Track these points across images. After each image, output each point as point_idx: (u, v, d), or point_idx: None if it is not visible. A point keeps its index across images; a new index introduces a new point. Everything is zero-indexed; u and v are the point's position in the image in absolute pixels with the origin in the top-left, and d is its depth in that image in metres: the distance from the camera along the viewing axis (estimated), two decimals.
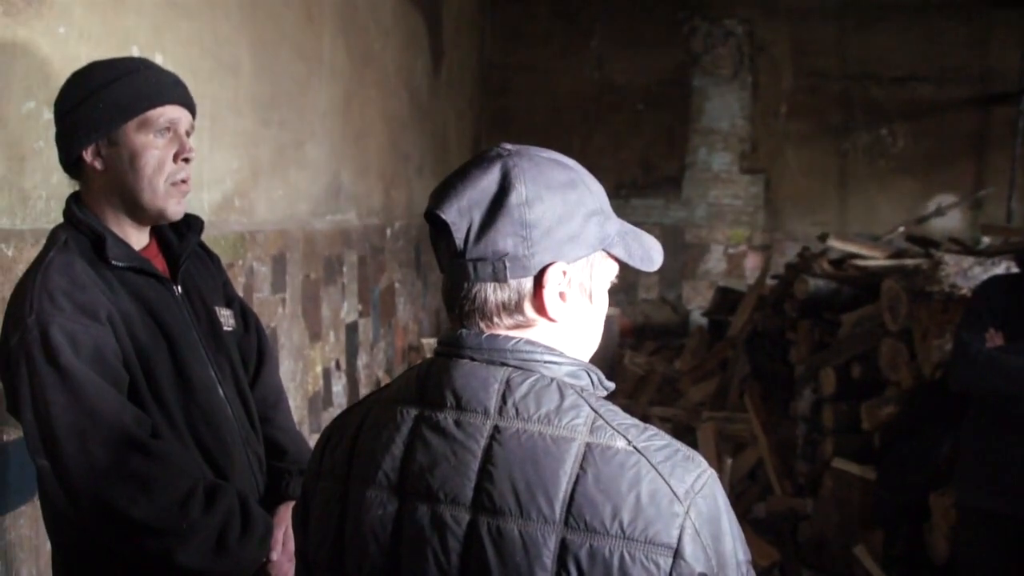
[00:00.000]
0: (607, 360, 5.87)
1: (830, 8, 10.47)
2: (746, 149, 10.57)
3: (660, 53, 10.60)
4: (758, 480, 5.94)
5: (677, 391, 6.49)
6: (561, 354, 1.27)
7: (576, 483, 1.15)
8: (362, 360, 5.67)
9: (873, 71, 10.55)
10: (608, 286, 1.35)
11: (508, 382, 1.23)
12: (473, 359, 1.26)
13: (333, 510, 1.31)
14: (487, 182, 1.25)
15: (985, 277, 4.35)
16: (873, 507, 4.68)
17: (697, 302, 10.09)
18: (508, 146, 1.31)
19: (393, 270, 6.28)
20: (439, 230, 1.27)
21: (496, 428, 1.20)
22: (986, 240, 6.66)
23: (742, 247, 10.54)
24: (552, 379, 1.24)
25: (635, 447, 1.17)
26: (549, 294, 1.25)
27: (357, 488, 1.29)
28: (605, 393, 1.33)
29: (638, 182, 10.59)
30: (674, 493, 1.15)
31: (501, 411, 1.21)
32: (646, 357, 7.02)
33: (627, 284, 10.39)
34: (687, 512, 1.14)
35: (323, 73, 5.03)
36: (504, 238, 1.22)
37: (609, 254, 1.32)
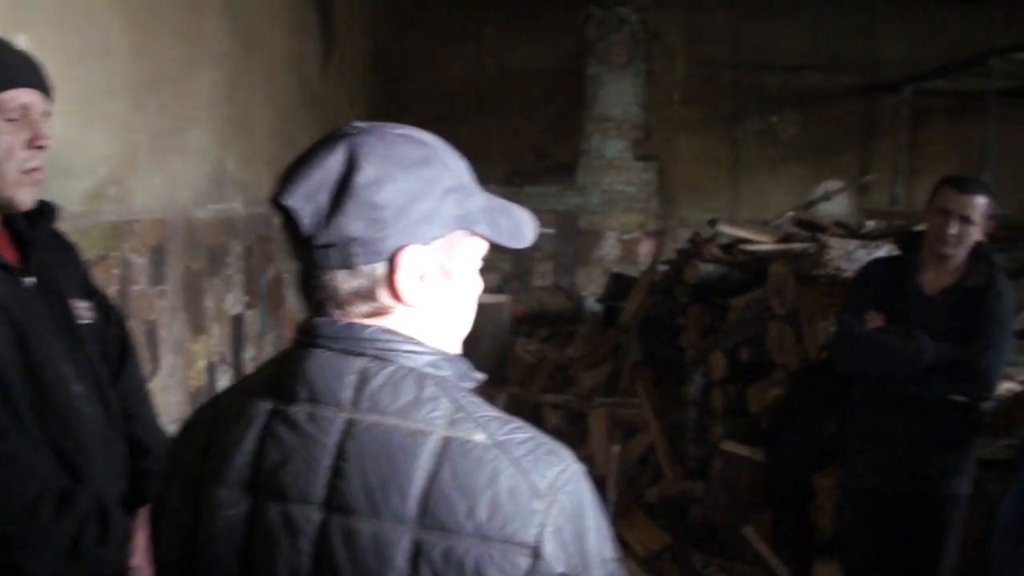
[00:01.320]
0: (498, 348, 5.84)
1: None
2: (640, 136, 10.64)
3: (555, 40, 10.59)
4: (650, 464, 5.98)
5: (569, 378, 6.50)
6: (421, 343, 1.21)
7: (432, 480, 1.09)
8: (249, 353, 5.53)
9: (764, 60, 10.72)
10: (477, 266, 1.29)
11: (364, 373, 1.17)
12: (329, 348, 1.19)
13: (184, 511, 1.23)
14: (332, 163, 1.18)
15: (867, 260, 4.44)
16: (761, 488, 4.74)
17: (591, 289, 10.13)
18: (357, 124, 1.24)
19: (281, 260, 6.14)
20: (287, 216, 1.19)
21: (350, 422, 1.14)
22: (870, 224, 6.81)
23: (636, 233, 10.62)
24: (411, 369, 1.18)
25: (495, 441, 1.12)
26: (404, 278, 1.19)
27: (209, 487, 1.21)
28: (472, 384, 1.26)
29: (532, 169, 10.58)
30: (534, 489, 1.10)
31: (356, 404, 1.15)
32: (538, 344, 7.02)
33: (521, 271, 10.39)
34: (548, 509, 1.10)
35: (205, 57, 4.87)
36: (352, 222, 1.15)
37: (474, 232, 1.25)
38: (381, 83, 10.52)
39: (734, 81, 10.73)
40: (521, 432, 1.15)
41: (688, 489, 5.61)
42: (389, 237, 1.17)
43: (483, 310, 4.94)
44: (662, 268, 6.82)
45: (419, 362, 1.20)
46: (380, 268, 1.18)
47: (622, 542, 5.32)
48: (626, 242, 10.61)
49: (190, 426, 1.33)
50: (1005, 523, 3.17)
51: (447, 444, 1.11)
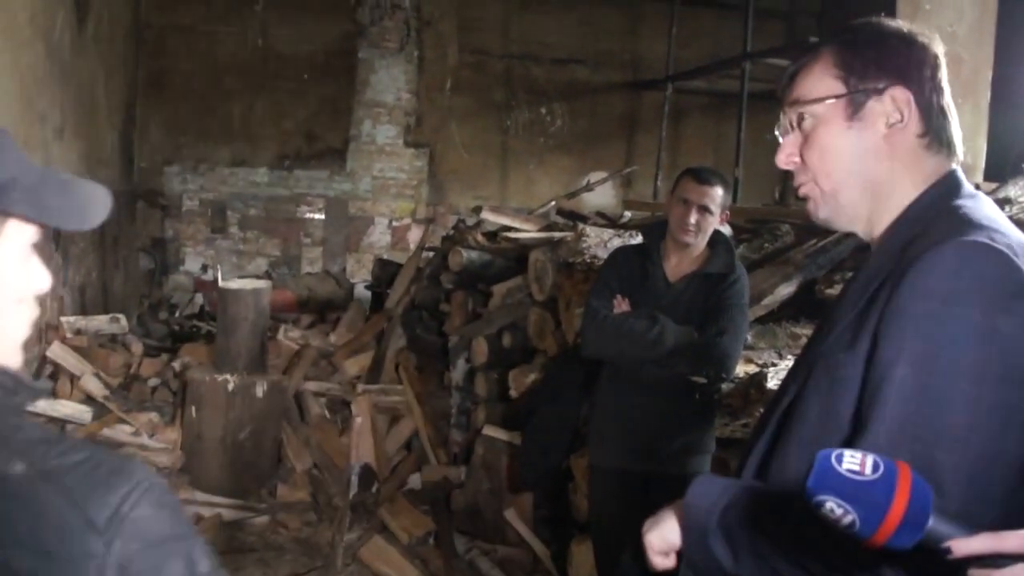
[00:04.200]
0: (258, 335, 5.67)
1: None
2: (411, 123, 10.63)
3: (327, 22, 10.42)
4: (414, 451, 5.97)
5: (333, 365, 6.40)
6: None
7: None
8: None
9: (534, 52, 10.93)
10: (24, 255, 1.08)
11: None
12: None
13: None
14: None
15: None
16: (520, 471, 4.81)
17: (362, 275, 10.05)
18: None
19: None
20: None
21: None
22: (628, 214, 7.05)
23: (406, 220, 10.61)
24: None
25: (40, 470, 0.94)
26: None
27: None
28: (29, 400, 1.06)
29: (302, 153, 10.38)
30: (91, 525, 0.93)
31: None
32: (301, 331, 6.87)
33: (290, 257, 10.17)
34: (108, 548, 0.93)
35: None
36: None
37: (9, 214, 1.05)
38: (142, 57, 10.02)
39: (505, 71, 10.89)
40: (76, 453, 0.97)
41: (451, 474, 5.63)
42: None
43: (242, 297, 4.75)
44: (429, 255, 6.82)
45: None
46: None
47: (386, 529, 5.29)
48: (397, 228, 10.59)
49: None
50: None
51: None
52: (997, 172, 6.37)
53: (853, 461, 1.04)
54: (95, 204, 1.13)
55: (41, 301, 1.10)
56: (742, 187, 8.18)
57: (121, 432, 5.59)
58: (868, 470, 1.03)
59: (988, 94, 6.48)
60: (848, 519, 1.02)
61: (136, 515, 0.95)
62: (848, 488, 1.02)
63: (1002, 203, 5.68)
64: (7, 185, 1.02)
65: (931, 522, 1.00)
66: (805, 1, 11.39)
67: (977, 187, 5.18)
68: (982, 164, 6.63)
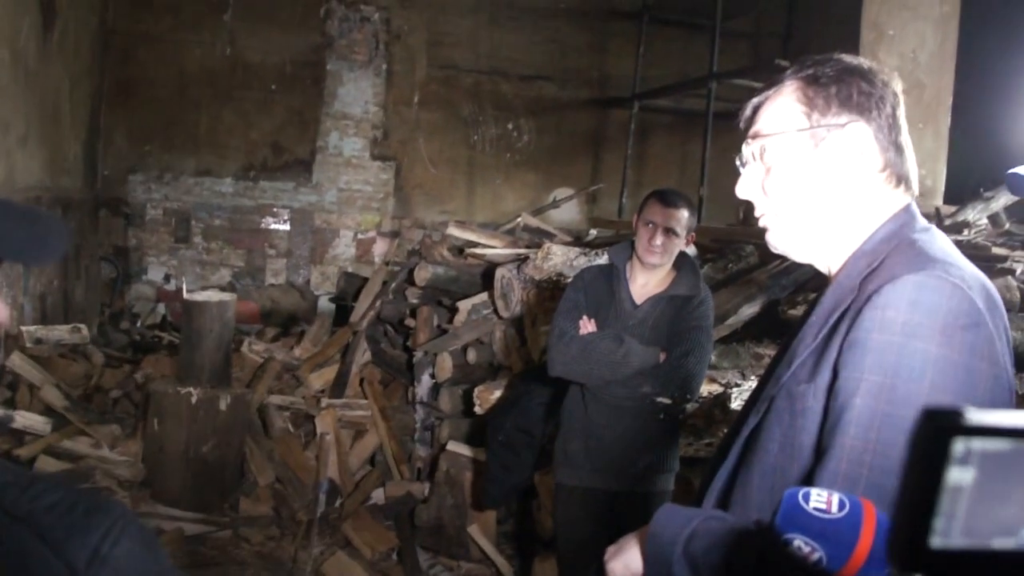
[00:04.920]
0: (222, 348, 5.65)
1: (465, 3, 10.75)
2: (378, 136, 10.63)
3: (295, 33, 10.40)
4: (378, 466, 5.96)
5: (297, 379, 6.38)
6: None
7: None
8: None
9: (502, 68, 10.96)
10: None
11: None
12: None
13: None
14: None
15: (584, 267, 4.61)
16: (484, 489, 4.82)
17: (326, 287, 10.03)
18: None
19: None
20: None
21: None
22: (594, 232, 7.10)
23: (372, 233, 10.60)
24: None
25: (13, 515, 0.91)
26: None
27: None
28: None
29: (268, 164, 10.34)
30: (71, 569, 0.91)
31: None
32: (266, 344, 6.84)
33: (254, 268, 10.13)
34: None
35: None
36: None
37: None
38: (108, 65, 9.95)
39: (473, 86, 10.91)
40: (49, 495, 0.94)
41: (414, 490, 5.63)
42: None
43: (208, 309, 4.74)
44: (395, 268, 6.82)
45: None
46: None
47: (349, 544, 5.28)
48: (362, 241, 10.57)
49: None
50: None
51: None
52: (956, 196, 6.49)
53: (820, 500, 1.07)
54: (55, 237, 1.10)
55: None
56: (706, 206, 8.25)
57: (81, 444, 5.54)
58: (834, 508, 1.06)
59: (948, 119, 6.61)
60: (815, 556, 1.05)
61: (117, 553, 0.93)
62: (816, 527, 1.05)
63: (961, 226, 5.79)
64: None
65: None
66: (771, 23, 11.52)
67: (937, 210, 5.27)
68: (942, 188, 6.75)
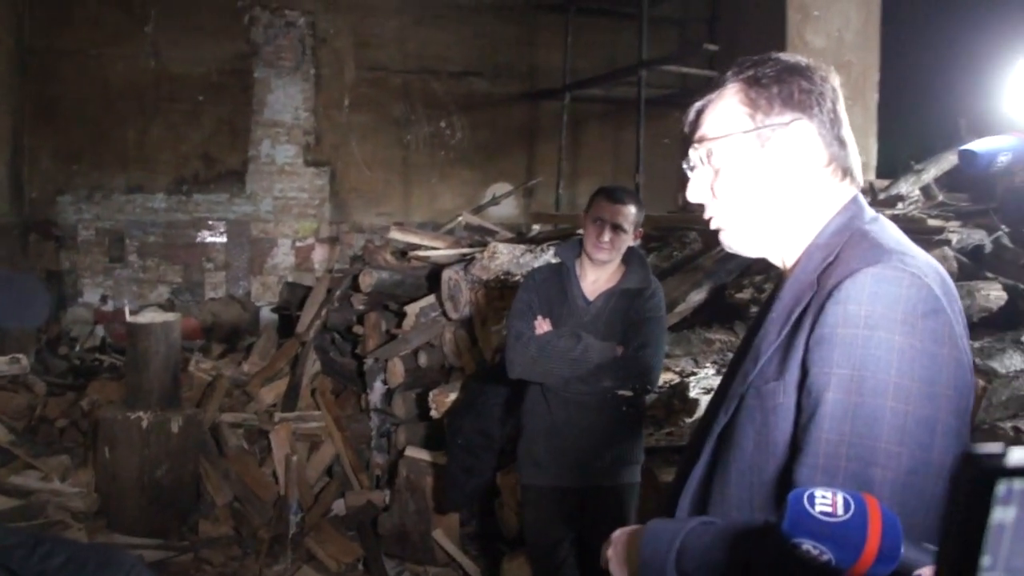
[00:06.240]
0: (170, 369, 5.55)
1: (390, 4, 10.70)
2: (310, 141, 10.55)
3: (220, 42, 10.27)
4: (336, 476, 5.91)
5: (247, 395, 6.30)
6: None
7: None
8: None
9: (432, 66, 10.94)
10: None
11: None
12: None
13: None
14: None
15: (534, 265, 4.62)
16: (445, 492, 4.81)
17: (267, 298, 9.92)
18: None
19: None
20: None
21: None
22: (536, 227, 7.10)
23: (310, 240, 10.51)
24: None
25: None
26: None
27: None
28: None
29: (200, 176, 10.20)
30: None
31: None
32: (213, 362, 6.75)
33: (192, 283, 9.99)
34: None
35: None
36: None
37: None
38: (30, 84, 9.73)
39: (403, 86, 10.87)
40: (56, 556, 0.95)
41: (375, 498, 5.60)
42: None
43: (152, 331, 4.66)
44: (337, 275, 6.76)
45: None
46: None
47: (313, 558, 5.24)
48: (300, 249, 10.48)
49: None
50: None
51: None
52: (889, 170, 6.61)
53: (825, 502, 1.08)
54: (37, 296, 1.06)
55: None
56: (643, 193, 8.29)
57: (31, 478, 5.42)
58: (840, 509, 1.07)
59: (876, 95, 6.74)
60: (825, 558, 1.06)
61: None
62: (824, 530, 1.07)
63: (895, 200, 5.89)
64: None
65: (903, 551, 1.05)
66: (697, 8, 11.62)
67: (871, 185, 5.35)
68: (874, 163, 6.88)
